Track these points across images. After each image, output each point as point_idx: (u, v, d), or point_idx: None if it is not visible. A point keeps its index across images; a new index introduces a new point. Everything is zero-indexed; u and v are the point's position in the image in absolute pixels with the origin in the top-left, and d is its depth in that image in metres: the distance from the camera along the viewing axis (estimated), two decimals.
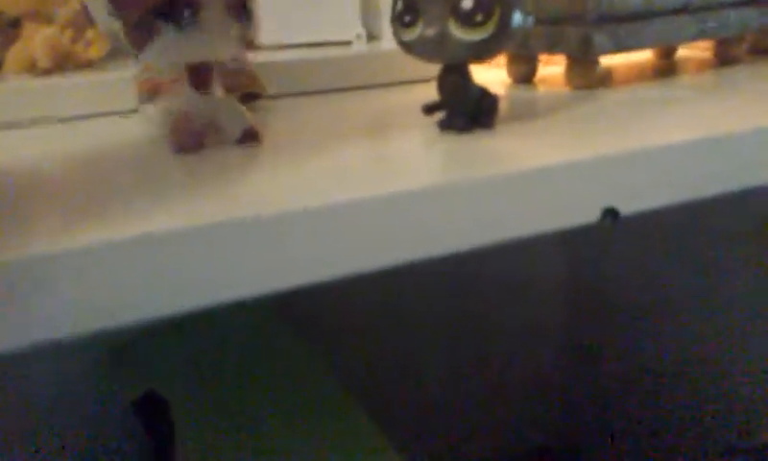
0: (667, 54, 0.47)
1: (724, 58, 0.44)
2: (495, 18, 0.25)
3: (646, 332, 0.69)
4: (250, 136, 0.28)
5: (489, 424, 0.81)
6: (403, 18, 0.27)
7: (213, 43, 0.26)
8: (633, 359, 0.71)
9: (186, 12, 0.24)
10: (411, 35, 0.27)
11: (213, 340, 0.53)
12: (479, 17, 0.25)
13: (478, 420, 0.80)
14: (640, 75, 0.42)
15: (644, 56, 0.48)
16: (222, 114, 0.28)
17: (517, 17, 0.26)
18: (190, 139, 0.27)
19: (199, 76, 0.27)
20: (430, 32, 0.26)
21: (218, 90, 0.28)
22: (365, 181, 0.23)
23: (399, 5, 0.27)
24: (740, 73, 0.41)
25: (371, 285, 0.69)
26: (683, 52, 0.49)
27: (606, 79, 0.40)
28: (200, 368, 0.51)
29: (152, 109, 0.29)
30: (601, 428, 0.77)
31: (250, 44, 0.28)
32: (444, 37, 0.26)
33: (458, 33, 0.26)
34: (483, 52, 0.26)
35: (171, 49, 0.25)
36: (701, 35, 0.39)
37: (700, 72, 0.42)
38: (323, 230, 0.20)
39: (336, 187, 0.22)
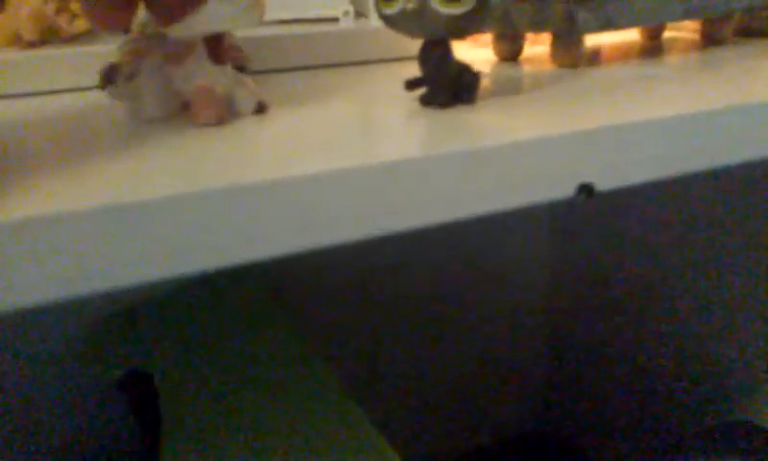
0: (654, 35, 0.47)
1: (710, 38, 0.44)
2: None
3: (636, 313, 0.70)
4: (261, 109, 0.28)
5: (479, 409, 0.82)
6: None
7: (233, 12, 0.26)
8: (625, 342, 0.72)
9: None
10: (392, 8, 0.27)
11: (196, 315, 0.53)
12: None
13: (468, 404, 0.81)
14: (626, 54, 0.42)
15: (632, 36, 0.48)
16: (235, 87, 0.28)
17: None
18: (216, 112, 0.27)
19: (216, 49, 0.27)
20: (410, 5, 0.26)
21: (228, 64, 0.28)
22: (347, 153, 0.23)
23: None
24: (726, 53, 0.41)
25: (352, 256, 0.69)
26: (670, 33, 0.49)
27: (591, 57, 0.40)
28: (184, 343, 0.51)
29: (129, 89, 0.29)
30: (595, 412, 0.78)
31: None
32: (424, 11, 0.26)
33: (438, 6, 0.26)
34: (464, 26, 0.26)
35: (212, 18, 0.25)
36: (687, 14, 0.39)
37: (685, 52, 0.42)
38: (306, 199, 0.21)
39: (319, 158, 0.22)
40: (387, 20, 0.27)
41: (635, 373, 0.70)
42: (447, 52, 0.28)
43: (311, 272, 0.66)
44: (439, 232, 0.73)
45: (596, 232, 0.73)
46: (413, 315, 0.75)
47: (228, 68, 0.28)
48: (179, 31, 0.26)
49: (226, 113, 0.27)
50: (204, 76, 0.27)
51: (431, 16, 0.26)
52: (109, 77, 0.29)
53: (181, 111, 0.29)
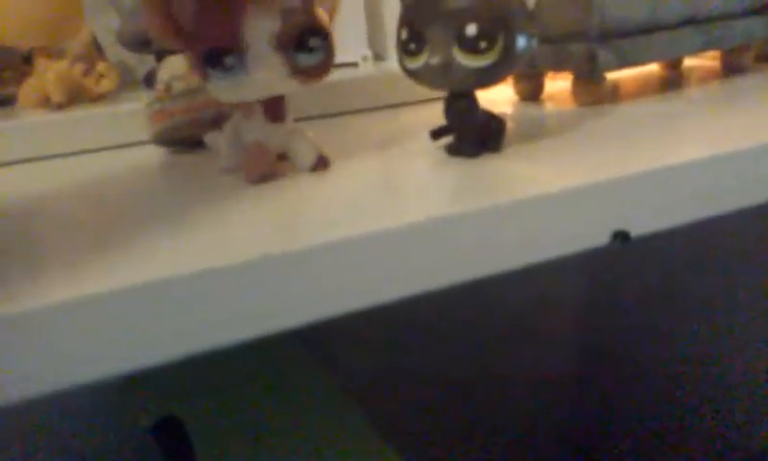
0: (674, 64, 0.47)
1: (731, 67, 0.44)
2: (499, 44, 0.26)
3: (659, 343, 0.69)
4: (322, 163, 0.28)
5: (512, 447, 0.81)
6: (408, 46, 0.27)
7: (262, 82, 0.26)
8: (644, 370, 0.71)
9: (229, 59, 0.24)
10: (416, 63, 0.27)
11: (229, 362, 0.54)
12: (483, 44, 0.26)
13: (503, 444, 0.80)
14: (647, 88, 0.42)
15: (651, 67, 0.48)
16: (293, 143, 0.28)
17: (521, 42, 0.26)
18: (265, 169, 0.27)
19: (272, 108, 0.28)
20: (435, 60, 0.26)
21: (289, 120, 0.28)
22: (377, 212, 0.23)
23: (404, 33, 0.27)
24: (747, 83, 0.41)
25: (388, 314, 0.69)
26: (689, 61, 0.49)
27: (613, 93, 0.40)
28: (215, 389, 0.51)
29: (218, 139, 0.30)
30: (614, 433, 0.77)
31: (313, 72, 0.27)
32: (449, 65, 0.26)
33: (463, 60, 0.26)
34: (488, 78, 0.27)
35: (221, 91, 0.26)
36: (706, 46, 0.39)
37: (707, 83, 0.42)
38: (336, 264, 0.21)
39: (348, 220, 0.22)
40: (411, 74, 0.28)
41: (672, 409, 0.69)
42: (473, 103, 0.28)
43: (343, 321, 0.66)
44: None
45: (625, 277, 0.72)
46: (439, 363, 0.74)
47: (287, 125, 0.28)
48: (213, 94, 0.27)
49: (273, 171, 0.28)
50: (260, 133, 0.27)
51: (456, 70, 0.26)
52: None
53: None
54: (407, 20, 0.27)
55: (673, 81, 0.43)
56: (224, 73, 0.25)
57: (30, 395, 0.18)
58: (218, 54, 0.25)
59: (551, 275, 0.78)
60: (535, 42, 0.27)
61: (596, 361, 0.79)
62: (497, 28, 0.26)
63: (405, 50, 0.27)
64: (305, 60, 0.25)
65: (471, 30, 0.26)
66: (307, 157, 0.28)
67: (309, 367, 0.53)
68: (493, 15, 0.26)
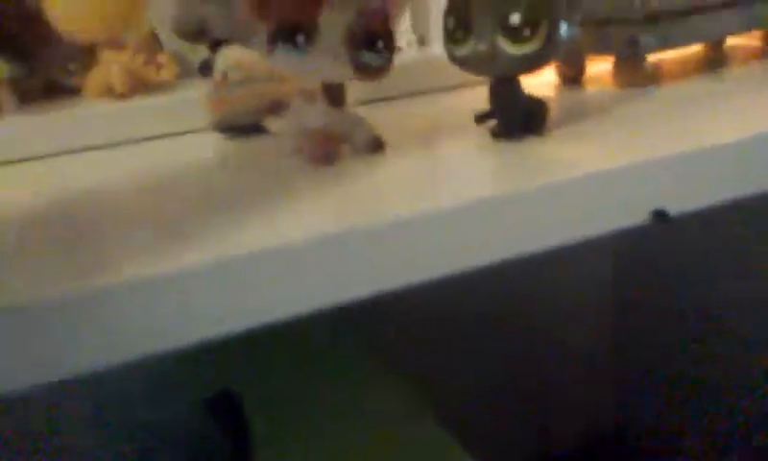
0: (717, 45, 0.47)
1: None
2: (543, 32, 0.27)
3: (697, 331, 0.69)
4: (378, 146, 0.30)
5: (549, 422, 0.82)
6: (454, 34, 0.28)
7: (324, 69, 0.27)
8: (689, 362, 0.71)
9: (300, 38, 0.26)
10: (463, 50, 0.28)
11: (286, 341, 0.56)
12: (527, 32, 0.27)
13: (538, 419, 0.81)
14: (689, 69, 0.42)
15: (693, 48, 0.48)
16: (352, 127, 0.30)
17: (564, 29, 0.27)
18: (326, 153, 0.29)
19: (333, 93, 0.29)
20: (481, 47, 0.27)
21: (347, 106, 0.30)
22: (426, 194, 0.24)
23: (450, 22, 0.29)
24: None
25: (434, 295, 0.70)
26: (732, 41, 0.49)
27: (654, 75, 0.41)
28: (273, 367, 0.53)
29: (282, 124, 0.32)
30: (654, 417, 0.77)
31: (374, 72, 0.28)
32: (494, 52, 0.27)
33: (507, 47, 0.27)
34: (532, 64, 0.28)
35: (283, 65, 0.28)
36: (748, 25, 0.39)
37: (748, 62, 0.42)
38: (383, 244, 0.22)
39: (397, 201, 0.24)
40: (457, 61, 0.29)
41: (700, 393, 0.69)
42: (517, 88, 0.29)
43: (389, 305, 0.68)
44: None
45: (660, 257, 0.72)
46: (483, 339, 0.76)
47: (346, 110, 0.30)
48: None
49: (335, 154, 0.29)
50: (322, 118, 0.29)
51: (501, 57, 0.27)
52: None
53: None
54: (453, 9, 0.28)
55: (715, 61, 0.44)
56: (292, 49, 0.26)
57: (101, 366, 0.20)
58: (292, 30, 0.26)
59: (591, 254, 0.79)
60: (577, 29, 0.28)
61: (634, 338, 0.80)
62: (540, 16, 0.27)
63: (451, 38, 0.29)
64: (369, 58, 0.27)
65: (515, 18, 0.27)
66: (365, 141, 0.30)
67: (361, 350, 0.55)
68: (536, 4, 0.27)
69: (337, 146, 0.30)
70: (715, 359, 0.67)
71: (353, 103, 0.42)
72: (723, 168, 0.27)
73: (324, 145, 0.29)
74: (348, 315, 0.59)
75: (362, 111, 0.40)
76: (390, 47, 0.28)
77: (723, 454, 0.68)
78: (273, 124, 0.32)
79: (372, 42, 0.27)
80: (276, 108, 0.33)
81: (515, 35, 0.27)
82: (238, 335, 0.21)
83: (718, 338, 0.66)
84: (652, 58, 0.38)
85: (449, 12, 0.29)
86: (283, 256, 0.21)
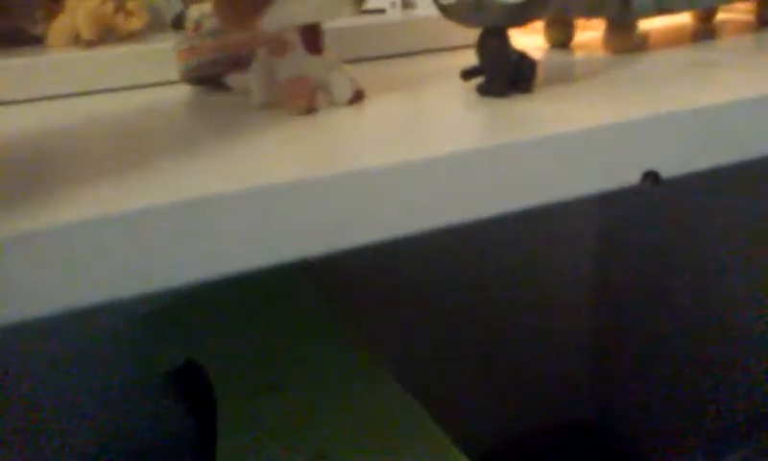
0: (707, 17, 0.46)
1: (765, 20, 0.43)
2: None
3: (687, 303, 0.69)
4: (359, 96, 0.29)
5: (525, 399, 0.82)
6: None
7: (325, 5, 0.26)
8: (675, 332, 0.71)
9: None
10: None
11: (251, 310, 0.54)
12: None
13: (513, 394, 0.81)
14: (679, 38, 0.41)
15: (683, 19, 0.47)
16: (331, 76, 0.28)
17: None
18: (308, 102, 0.28)
19: (311, 40, 0.28)
20: None
21: (327, 54, 0.29)
22: (411, 144, 0.23)
23: None
24: None
25: (412, 247, 0.69)
26: (723, 15, 0.48)
27: (644, 43, 0.40)
28: (233, 333, 0.52)
29: (246, 78, 0.30)
30: (643, 403, 0.78)
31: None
32: (482, 1, 0.26)
33: None
34: (521, 15, 0.26)
35: (289, 11, 0.26)
36: None
37: (739, 34, 0.41)
38: (368, 192, 0.21)
39: (391, 150, 0.22)
40: (444, 11, 0.27)
41: (684, 363, 0.69)
42: (506, 41, 0.27)
43: (352, 267, 0.67)
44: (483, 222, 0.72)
45: (646, 220, 0.72)
46: (458, 303, 0.75)
47: (326, 58, 0.28)
48: (269, 24, 0.27)
49: (316, 103, 0.28)
50: (299, 67, 0.28)
51: (490, 6, 0.26)
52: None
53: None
54: None
55: (705, 32, 0.43)
56: None
57: (43, 313, 0.18)
58: None
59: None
60: None
61: (611, 300, 0.79)
62: None
63: None
64: None
65: None
66: (345, 90, 0.28)
67: (330, 317, 0.54)
68: None
69: (316, 94, 0.28)
70: (706, 334, 0.67)
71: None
72: (710, 133, 0.26)
73: (306, 93, 0.27)
74: (318, 270, 0.58)
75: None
76: None
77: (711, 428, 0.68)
78: (234, 80, 0.31)
79: None
80: (240, 62, 0.32)
81: None
82: (197, 295, 0.20)
83: (706, 308, 0.66)
84: (642, 26, 0.37)
85: None
86: (246, 203, 0.19)
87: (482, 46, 0.28)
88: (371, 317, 0.69)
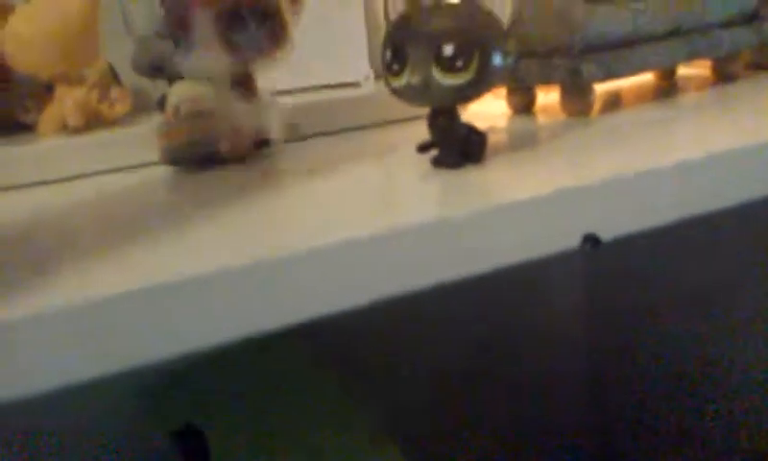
0: (668, 74, 0.48)
1: (722, 75, 0.45)
2: (475, 63, 0.27)
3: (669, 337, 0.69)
4: (295, 132, 0.32)
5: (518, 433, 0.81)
6: (392, 67, 0.29)
7: (204, 61, 0.29)
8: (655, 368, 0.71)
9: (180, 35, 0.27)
10: (399, 82, 0.29)
11: (250, 375, 0.55)
12: (459, 63, 0.27)
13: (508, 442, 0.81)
14: (641, 96, 0.43)
15: (646, 78, 0.49)
16: (267, 116, 0.31)
17: (497, 60, 0.28)
18: (243, 148, 0.30)
19: (242, 84, 0.30)
20: (415, 79, 0.28)
21: (262, 95, 0.31)
22: (368, 217, 0.25)
23: (388, 55, 0.29)
24: (737, 89, 0.42)
25: (388, 315, 0.70)
26: (684, 70, 0.50)
27: (607, 103, 0.41)
28: (235, 401, 0.53)
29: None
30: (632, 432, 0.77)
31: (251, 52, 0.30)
32: (428, 84, 0.28)
33: (441, 78, 0.27)
34: (466, 95, 0.28)
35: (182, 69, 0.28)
36: (692, 56, 0.40)
37: (697, 91, 0.43)
38: (330, 266, 0.22)
39: (341, 224, 0.24)
40: (395, 92, 0.29)
41: (676, 407, 0.69)
42: (453, 118, 0.29)
43: (346, 331, 0.68)
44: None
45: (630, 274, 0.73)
46: (448, 364, 0.76)
47: (260, 99, 0.31)
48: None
49: (249, 150, 0.30)
50: (232, 113, 0.30)
51: (435, 88, 0.28)
52: None
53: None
54: (389, 41, 0.29)
55: (665, 90, 0.45)
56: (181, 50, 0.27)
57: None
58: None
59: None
60: (511, 59, 0.29)
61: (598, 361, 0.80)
62: (473, 47, 0.27)
63: (389, 69, 0.29)
64: (241, 39, 0.27)
65: (448, 50, 0.27)
66: (280, 128, 0.31)
67: (327, 381, 0.55)
68: (469, 36, 0.27)
69: (251, 139, 0.30)
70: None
71: (305, 137, 0.42)
72: (656, 193, 0.27)
73: (240, 141, 0.29)
74: (314, 348, 0.60)
75: (315, 143, 0.40)
76: (269, 26, 0.27)
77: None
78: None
79: (239, 20, 0.27)
80: (214, 142, 0.34)
81: (448, 66, 0.27)
82: (197, 363, 0.21)
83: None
84: (604, 87, 0.39)
85: (386, 44, 0.29)
86: (212, 284, 0.21)
87: (432, 124, 0.30)
88: (365, 379, 0.70)
